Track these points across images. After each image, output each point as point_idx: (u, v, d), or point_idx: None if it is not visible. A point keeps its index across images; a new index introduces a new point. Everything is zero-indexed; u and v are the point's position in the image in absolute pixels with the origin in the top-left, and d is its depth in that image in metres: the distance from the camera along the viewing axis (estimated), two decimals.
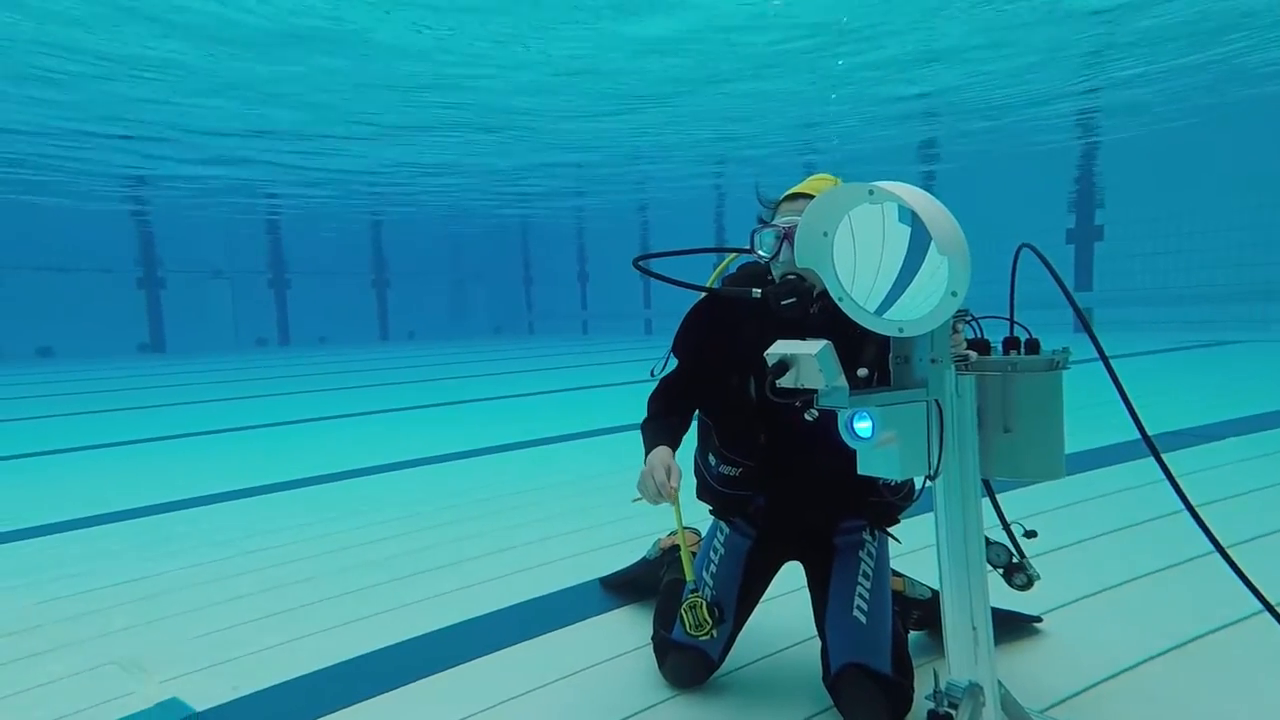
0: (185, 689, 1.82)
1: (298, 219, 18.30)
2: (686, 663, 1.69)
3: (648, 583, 2.23)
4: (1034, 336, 1.18)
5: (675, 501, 1.50)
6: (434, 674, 1.83)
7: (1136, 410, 1.14)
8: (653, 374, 1.80)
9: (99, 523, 3.39)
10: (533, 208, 18.87)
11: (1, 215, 15.04)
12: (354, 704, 1.71)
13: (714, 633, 1.62)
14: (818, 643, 1.63)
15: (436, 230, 21.66)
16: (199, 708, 1.73)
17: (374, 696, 1.74)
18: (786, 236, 1.52)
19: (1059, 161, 13.60)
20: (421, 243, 22.30)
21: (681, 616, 1.64)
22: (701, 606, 1.63)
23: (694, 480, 1.77)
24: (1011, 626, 1.89)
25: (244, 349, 18.45)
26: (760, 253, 1.56)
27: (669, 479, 1.47)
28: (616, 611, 2.21)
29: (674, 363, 1.77)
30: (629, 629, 2.08)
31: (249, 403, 8.07)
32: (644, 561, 2.30)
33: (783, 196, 1.61)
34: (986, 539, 1.19)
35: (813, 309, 1.48)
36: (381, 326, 22.32)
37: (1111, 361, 1.14)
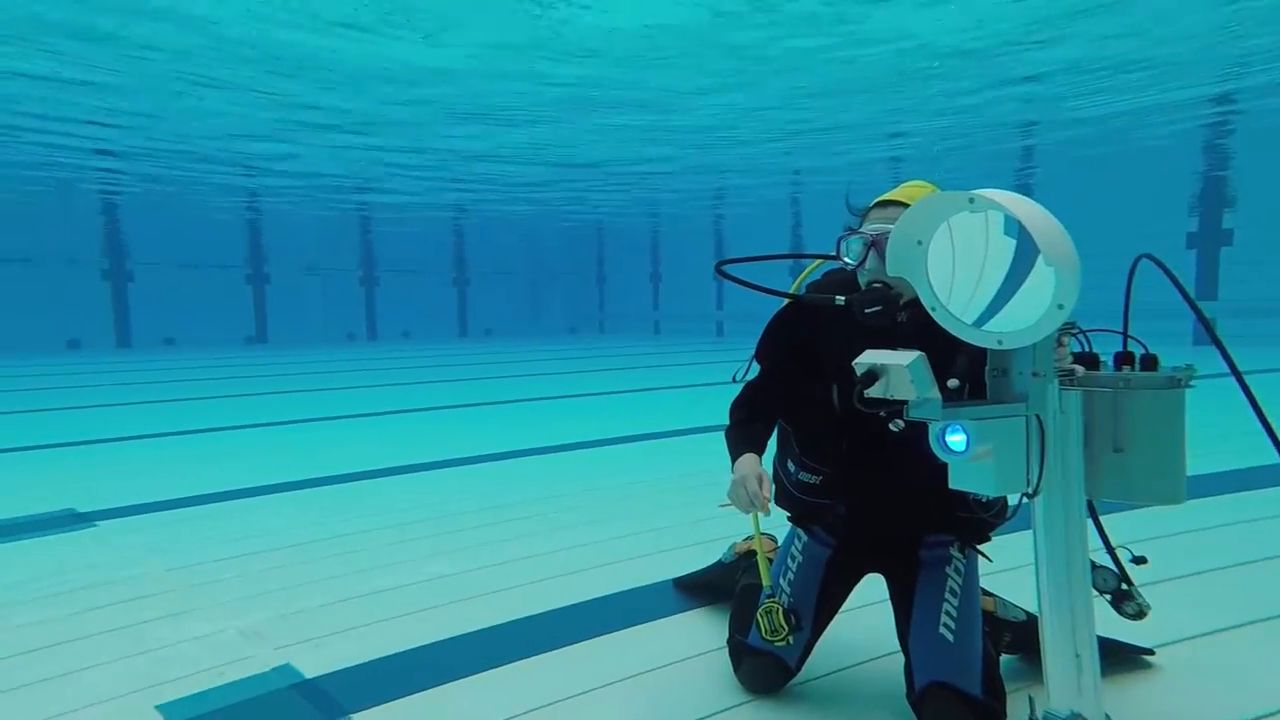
0: (296, 656, 1.97)
1: (387, 219, 19.34)
2: (762, 668, 1.69)
3: (722, 586, 2.24)
4: (1150, 352, 1.11)
5: (767, 512, 1.51)
6: (502, 666, 1.90)
7: (1276, 431, 1.05)
8: (735, 379, 1.81)
9: (221, 499, 3.70)
10: (608, 211, 19.16)
11: (139, 216, 16.70)
12: (429, 689, 1.80)
13: (790, 639, 1.61)
14: (900, 658, 1.59)
15: (515, 231, 22.35)
16: (307, 675, 1.87)
17: (449, 682, 1.83)
18: (874, 244, 1.49)
19: (1177, 157, 12.35)
20: (501, 242, 23.04)
21: (757, 621, 1.64)
22: (778, 612, 1.63)
23: (772, 486, 1.76)
24: (1119, 657, 1.78)
25: (335, 342, 19.59)
26: (846, 260, 1.55)
27: (760, 488, 1.48)
28: (691, 613, 2.23)
29: (756, 369, 1.77)
30: (703, 631, 2.09)
31: (339, 394, 8.58)
32: (719, 564, 2.31)
33: (872, 203, 1.58)
34: (1092, 563, 1.13)
35: (900, 318, 1.45)
36: (461, 323, 23.19)
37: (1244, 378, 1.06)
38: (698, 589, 2.34)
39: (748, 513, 1.57)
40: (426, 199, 16.35)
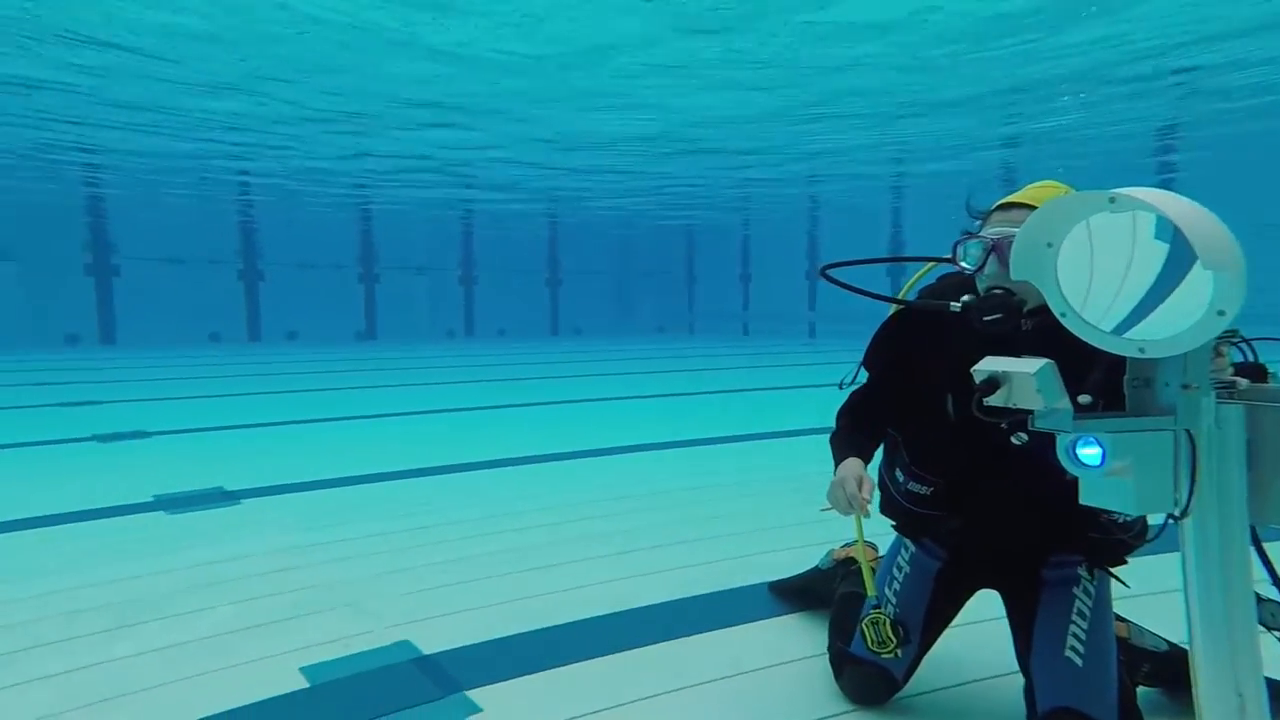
0: (413, 633, 2.10)
1: (486, 220, 20.25)
2: (865, 678, 1.65)
3: (819, 592, 2.21)
4: None
5: (867, 514, 1.47)
6: (598, 657, 1.95)
7: None
8: (840, 386, 1.78)
9: (344, 484, 4.00)
10: (699, 213, 19.15)
11: (270, 220, 18.38)
12: (535, 672, 1.88)
13: (899, 652, 1.57)
14: (1018, 679, 1.51)
15: (606, 232, 22.77)
16: (424, 651, 2.00)
17: (552, 668, 1.90)
18: (995, 248, 1.43)
19: None
20: (591, 243, 23.52)
21: (862, 631, 1.61)
22: (885, 623, 1.59)
23: (874, 489, 1.71)
24: None
25: (437, 339, 20.67)
26: (964, 264, 1.49)
27: (860, 490, 1.45)
28: (786, 617, 2.20)
29: (864, 376, 1.74)
30: (799, 636, 2.07)
31: (441, 389, 9.07)
32: (815, 570, 2.27)
33: (994, 206, 1.51)
34: (1257, 595, 1.03)
35: (1025, 325, 1.38)
36: (552, 322, 23.86)
37: None
38: (793, 594, 2.32)
39: (847, 515, 1.54)
40: (527, 204, 16.99)
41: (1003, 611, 1.63)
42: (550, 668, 1.91)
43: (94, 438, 5.36)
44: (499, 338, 21.40)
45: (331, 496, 3.76)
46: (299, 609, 2.29)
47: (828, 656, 1.78)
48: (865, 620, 1.61)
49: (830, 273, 1.74)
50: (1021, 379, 1.18)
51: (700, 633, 2.10)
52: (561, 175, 13.17)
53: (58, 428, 5.78)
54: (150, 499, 3.65)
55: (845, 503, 1.47)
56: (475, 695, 1.77)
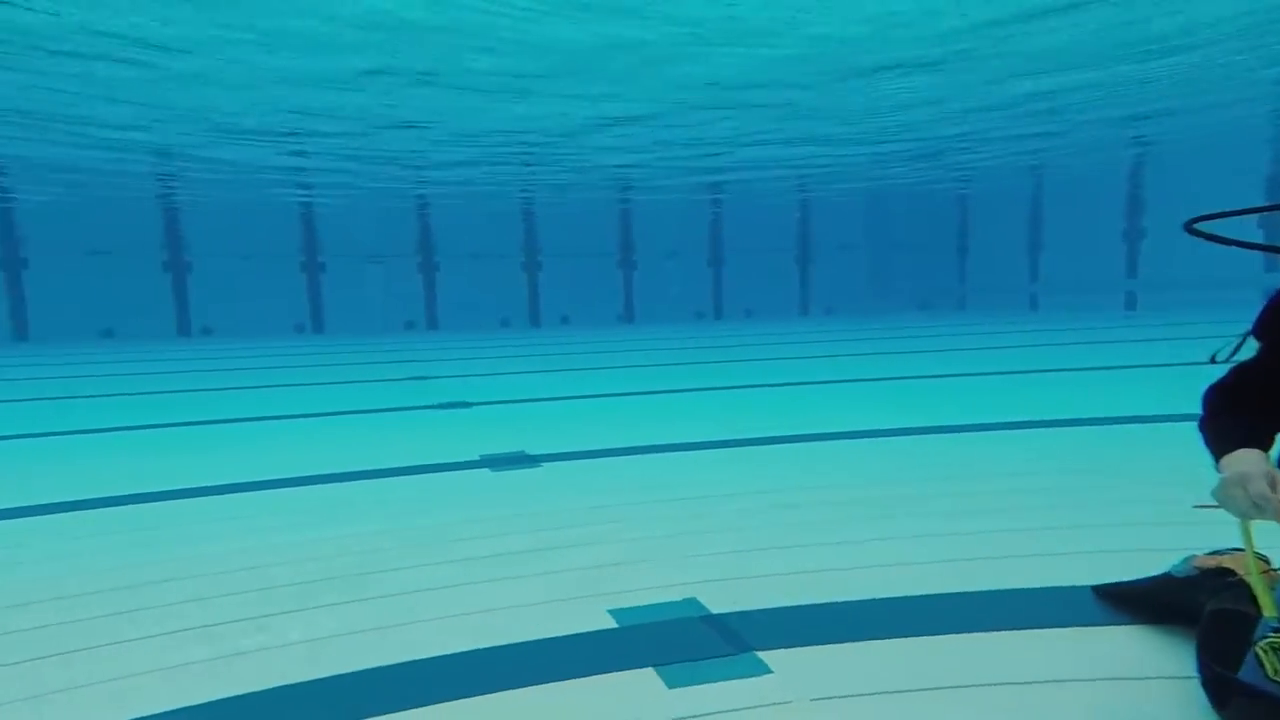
0: (704, 593, 2.23)
1: (734, 200, 20.56)
2: (1265, 715, 1.36)
3: (1168, 603, 1.87)
4: None
5: None
6: (896, 638, 1.89)
7: None
8: (1213, 360, 1.48)
9: (634, 453, 4.43)
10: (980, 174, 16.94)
11: (545, 214, 20.97)
12: (817, 644, 1.87)
13: None
14: None
15: (858, 204, 21.54)
16: (712, 611, 2.11)
17: (849, 641, 1.88)
18: None
19: None
20: (842, 216, 22.46)
21: (1258, 655, 1.32)
22: None
23: None
24: None
25: (685, 320, 21.62)
26: None
27: (1275, 491, 1.17)
28: (1122, 628, 1.90)
29: (1250, 348, 1.42)
30: (1147, 651, 1.77)
31: (698, 368, 9.49)
32: (1167, 577, 1.92)
33: None
34: None
35: None
36: (802, 301, 23.35)
37: None
38: (1129, 601, 1.99)
39: (1247, 519, 1.27)
40: (771, 180, 16.83)
41: None
42: (842, 641, 1.89)
43: (433, 406, 6.66)
44: (746, 318, 21.61)
45: (618, 464, 4.14)
46: (605, 559, 2.56)
47: (1199, 680, 1.50)
48: (1263, 644, 1.32)
49: (1200, 226, 1.46)
50: None
51: (1012, 630, 1.91)
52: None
53: (410, 397, 7.32)
54: (478, 458, 4.40)
55: (1247, 504, 1.20)
56: (765, 656, 1.81)
